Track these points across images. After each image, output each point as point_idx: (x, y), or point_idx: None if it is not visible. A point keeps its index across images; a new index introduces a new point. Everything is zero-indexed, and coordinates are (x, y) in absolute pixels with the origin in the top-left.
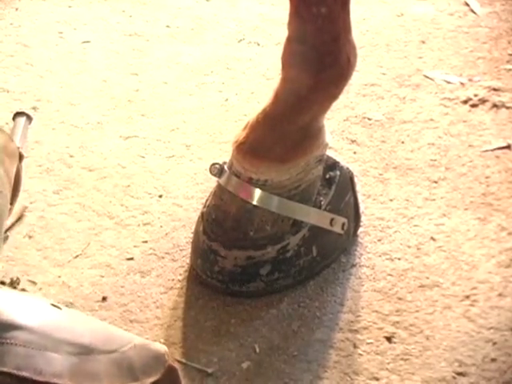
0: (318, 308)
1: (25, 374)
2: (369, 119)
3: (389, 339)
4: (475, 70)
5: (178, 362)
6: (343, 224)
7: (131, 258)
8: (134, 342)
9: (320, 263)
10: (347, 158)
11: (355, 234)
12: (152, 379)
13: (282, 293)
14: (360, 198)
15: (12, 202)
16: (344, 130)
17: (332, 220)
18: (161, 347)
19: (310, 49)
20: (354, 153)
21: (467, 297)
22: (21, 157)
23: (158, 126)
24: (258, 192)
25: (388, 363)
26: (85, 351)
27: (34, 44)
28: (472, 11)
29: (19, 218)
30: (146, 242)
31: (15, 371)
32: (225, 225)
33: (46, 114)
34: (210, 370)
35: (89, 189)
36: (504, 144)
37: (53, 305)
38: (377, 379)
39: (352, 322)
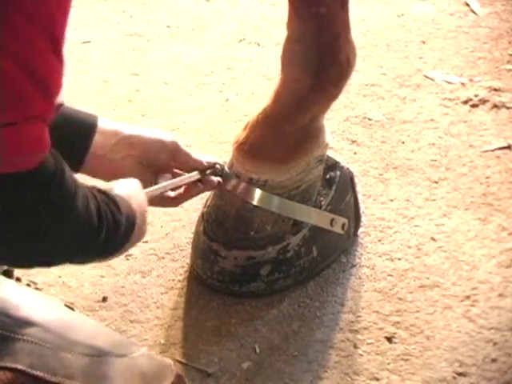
0: (318, 308)
1: (38, 373)
2: (369, 119)
3: (389, 339)
4: (476, 70)
5: (179, 362)
6: (343, 224)
7: (132, 258)
8: (142, 350)
9: (320, 263)
10: (347, 158)
11: (355, 235)
12: None
13: (283, 293)
14: (360, 198)
15: None
16: (344, 131)
17: (332, 220)
18: (167, 359)
19: (309, 49)
20: (355, 153)
21: (468, 297)
22: None
23: (159, 126)
24: (258, 192)
25: (388, 363)
26: (97, 353)
27: None
28: (472, 11)
29: None
30: (146, 242)
31: (29, 369)
32: (225, 225)
33: None
34: (210, 370)
35: None
36: (504, 144)
37: (66, 306)
38: (377, 379)
39: (352, 322)
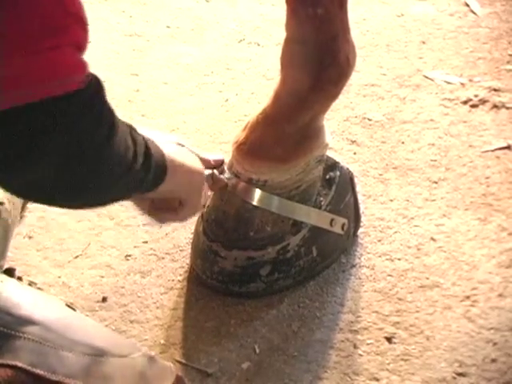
0: (318, 308)
1: (39, 371)
2: (369, 120)
3: (389, 340)
4: (475, 70)
5: (178, 362)
6: (343, 224)
7: (131, 259)
8: (142, 351)
9: (320, 264)
10: (347, 158)
11: (355, 235)
12: None
13: (282, 293)
14: (360, 198)
15: (22, 210)
16: (344, 131)
17: (332, 220)
18: (167, 362)
19: (308, 49)
20: (354, 153)
21: (467, 297)
22: None
23: (159, 126)
24: (258, 192)
25: (388, 364)
26: (98, 353)
27: None
28: (472, 12)
29: (19, 219)
30: (146, 242)
31: (29, 367)
32: (225, 225)
33: None
34: (210, 371)
35: None
36: (504, 144)
37: (68, 306)
38: (377, 380)
39: (352, 322)
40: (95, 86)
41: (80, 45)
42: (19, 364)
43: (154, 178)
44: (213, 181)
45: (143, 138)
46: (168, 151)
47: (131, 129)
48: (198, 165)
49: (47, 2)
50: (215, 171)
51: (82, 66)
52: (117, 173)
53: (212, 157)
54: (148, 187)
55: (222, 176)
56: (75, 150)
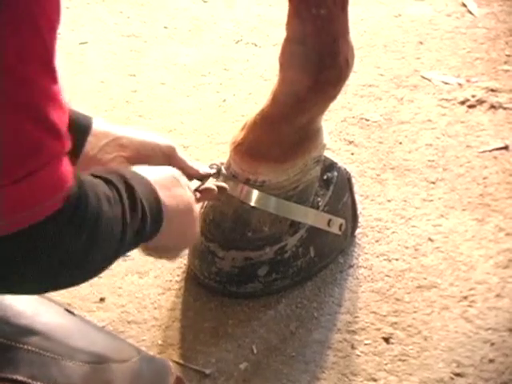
0: (315, 309)
1: None
2: (366, 120)
3: (386, 340)
4: (473, 70)
5: (176, 363)
6: (341, 225)
7: (129, 259)
8: (141, 353)
9: (318, 264)
10: (345, 158)
11: (353, 235)
12: None
13: (280, 294)
14: (358, 198)
15: None
16: (342, 131)
17: (330, 221)
18: (165, 360)
19: (309, 50)
20: (352, 154)
21: (465, 297)
22: None
23: (156, 126)
24: (255, 193)
25: (386, 364)
26: (98, 360)
27: None
28: (469, 12)
29: None
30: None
31: (30, 380)
32: (222, 226)
33: None
34: (207, 371)
35: None
36: (502, 145)
37: (67, 310)
38: (374, 380)
39: (350, 322)
40: (77, 192)
41: (59, 153)
42: (19, 377)
43: (151, 230)
44: (200, 192)
45: (140, 200)
46: (163, 196)
47: (127, 192)
48: (189, 203)
49: (28, 126)
50: (210, 178)
51: (68, 177)
52: (107, 254)
53: (202, 168)
54: (144, 240)
55: (209, 185)
56: (59, 261)
